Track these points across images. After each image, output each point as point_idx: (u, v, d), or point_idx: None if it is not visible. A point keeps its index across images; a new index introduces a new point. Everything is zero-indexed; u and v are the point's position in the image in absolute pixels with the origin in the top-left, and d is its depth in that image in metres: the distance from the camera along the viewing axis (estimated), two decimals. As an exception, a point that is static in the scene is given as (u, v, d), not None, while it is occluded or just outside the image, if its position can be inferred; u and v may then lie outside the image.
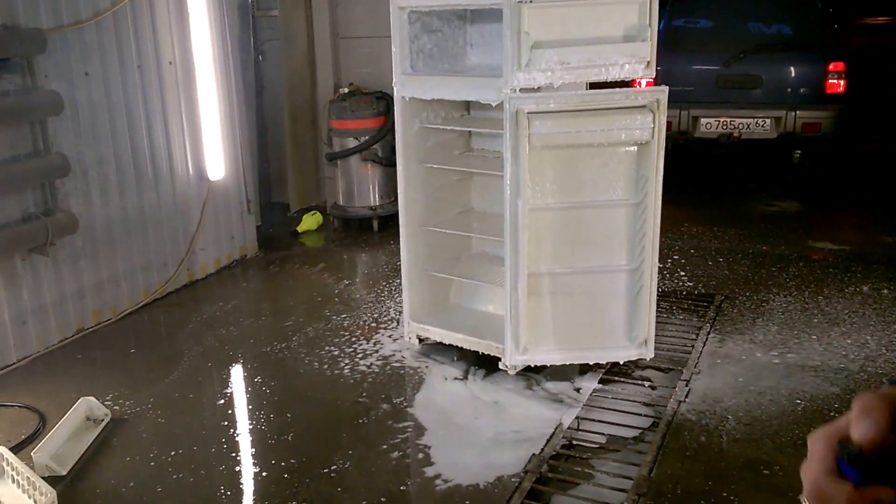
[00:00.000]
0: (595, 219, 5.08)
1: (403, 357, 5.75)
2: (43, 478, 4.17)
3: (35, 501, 4.03)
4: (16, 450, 4.59)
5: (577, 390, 5.21)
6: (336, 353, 5.85)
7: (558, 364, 5.31)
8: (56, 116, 5.78)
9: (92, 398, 4.98)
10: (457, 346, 5.58)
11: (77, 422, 4.83)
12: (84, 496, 4.28)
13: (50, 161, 5.75)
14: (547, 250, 5.07)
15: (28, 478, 4.10)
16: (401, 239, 5.63)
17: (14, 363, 5.71)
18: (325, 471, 4.44)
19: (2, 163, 5.51)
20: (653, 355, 5.31)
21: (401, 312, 6.11)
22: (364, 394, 5.29)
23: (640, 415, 4.92)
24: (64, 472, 4.42)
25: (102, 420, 4.92)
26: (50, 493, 4.00)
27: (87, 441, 4.73)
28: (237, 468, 4.54)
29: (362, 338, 6.08)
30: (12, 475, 4.21)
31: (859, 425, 0.85)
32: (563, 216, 5.06)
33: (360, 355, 5.80)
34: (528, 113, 4.70)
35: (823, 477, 0.84)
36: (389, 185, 8.42)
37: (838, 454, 0.86)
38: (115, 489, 4.33)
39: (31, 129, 5.70)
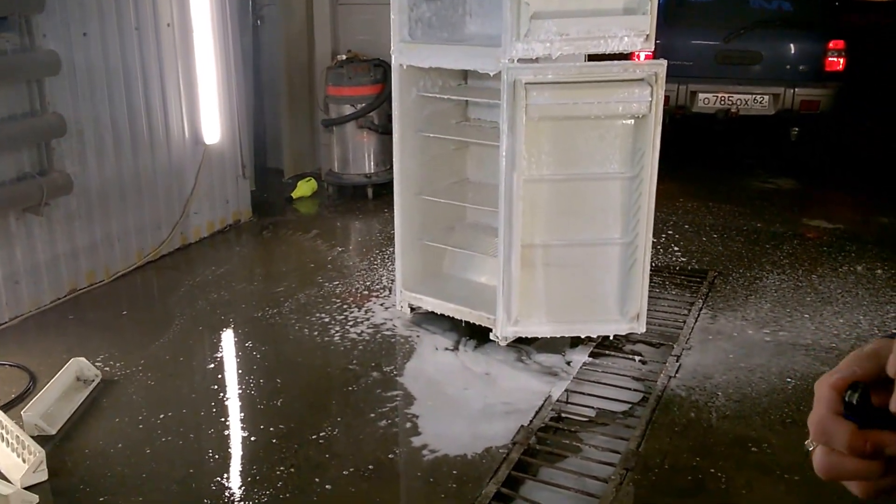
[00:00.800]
0: (590, 191, 5.07)
1: (394, 326, 5.75)
2: (32, 437, 4.18)
3: (24, 460, 4.03)
4: (6, 408, 4.61)
5: (568, 363, 5.21)
6: (327, 320, 5.85)
7: (549, 336, 5.31)
8: (53, 76, 5.74)
9: (83, 359, 4.98)
10: (448, 316, 5.58)
11: (67, 382, 4.83)
12: (73, 456, 4.28)
13: (46, 121, 5.73)
14: (541, 222, 5.06)
15: (17, 436, 4.10)
16: (395, 207, 5.62)
17: (6, 322, 5.71)
18: (314, 437, 4.45)
19: (-3, 121, 5.50)
20: (644, 330, 5.31)
21: (393, 281, 6.10)
22: (354, 361, 5.30)
23: (629, 389, 4.93)
24: (53, 432, 4.43)
25: (93, 381, 4.92)
26: (39, 452, 4.01)
27: (77, 402, 4.74)
28: (226, 432, 4.55)
29: (354, 305, 6.08)
30: (1, 433, 4.21)
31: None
32: (558, 188, 5.05)
33: (351, 323, 5.80)
34: (526, 83, 4.68)
35: (827, 415, 0.86)
36: (385, 153, 8.41)
37: (844, 396, 0.87)
38: (104, 450, 4.34)
39: (28, 89, 5.67)
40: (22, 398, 4.79)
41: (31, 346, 5.46)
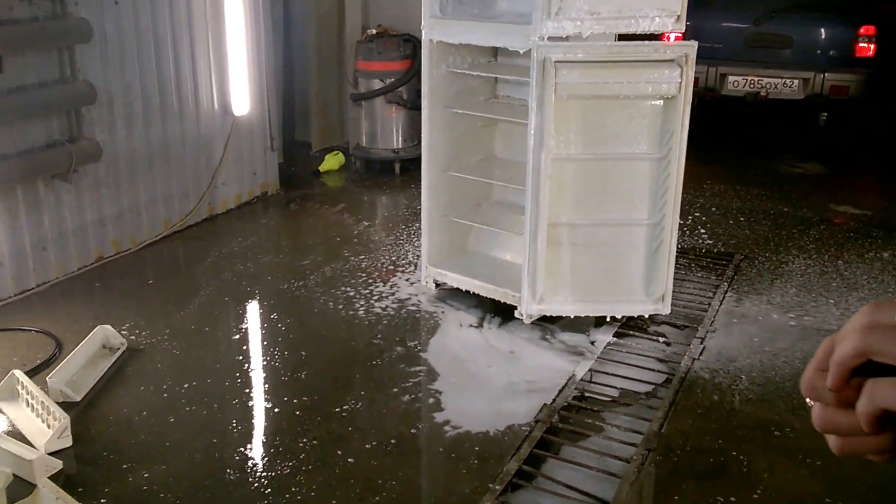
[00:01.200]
0: (618, 171, 5.05)
1: (419, 301, 5.76)
2: (57, 403, 4.21)
3: (48, 426, 4.07)
4: (31, 374, 4.64)
5: (592, 342, 5.21)
6: (352, 294, 5.87)
7: (574, 315, 5.30)
8: (84, 44, 5.78)
9: (109, 327, 5.01)
10: (473, 293, 5.59)
11: (93, 349, 4.87)
12: (97, 423, 4.32)
13: (76, 88, 5.76)
14: (568, 201, 5.05)
15: (42, 402, 4.14)
16: (422, 183, 5.62)
17: (33, 288, 5.75)
18: (337, 410, 4.47)
19: (29, 88, 5.52)
20: (669, 311, 5.30)
21: (419, 256, 6.11)
22: (378, 336, 5.31)
23: (653, 370, 4.92)
24: (78, 399, 4.46)
25: (118, 349, 4.95)
26: (63, 418, 4.04)
27: (102, 369, 4.77)
28: (250, 403, 4.58)
29: (379, 280, 6.09)
30: (27, 399, 4.26)
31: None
32: (585, 167, 5.03)
33: (376, 297, 5.81)
34: (556, 62, 4.66)
35: (814, 372, 0.88)
36: (413, 128, 8.40)
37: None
38: (128, 418, 4.38)
39: (59, 56, 5.70)
40: (47, 364, 4.83)
41: (58, 313, 5.51)
